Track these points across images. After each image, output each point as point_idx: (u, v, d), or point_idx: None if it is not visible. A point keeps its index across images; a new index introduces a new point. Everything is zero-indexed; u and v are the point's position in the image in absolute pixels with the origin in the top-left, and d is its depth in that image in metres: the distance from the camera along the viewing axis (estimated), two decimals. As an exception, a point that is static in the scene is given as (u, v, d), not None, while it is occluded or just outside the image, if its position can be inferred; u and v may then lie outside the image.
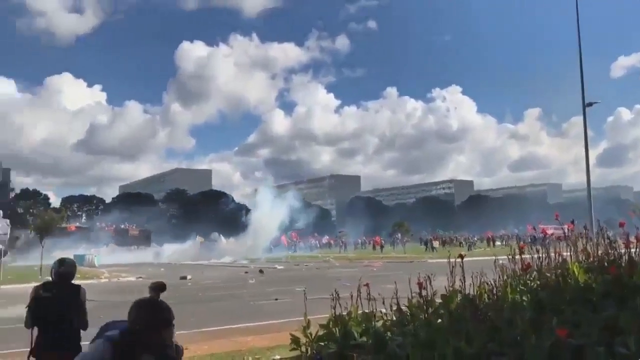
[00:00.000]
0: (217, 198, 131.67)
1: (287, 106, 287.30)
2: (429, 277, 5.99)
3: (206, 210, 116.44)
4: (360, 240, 75.37)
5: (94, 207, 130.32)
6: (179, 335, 9.28)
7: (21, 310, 14.91)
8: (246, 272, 31.25)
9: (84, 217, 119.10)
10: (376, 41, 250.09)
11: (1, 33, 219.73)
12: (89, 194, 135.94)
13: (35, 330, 4.41)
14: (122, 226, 72.97)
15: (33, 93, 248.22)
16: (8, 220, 27.67)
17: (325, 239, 77.99)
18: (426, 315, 6.02)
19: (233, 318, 13.53)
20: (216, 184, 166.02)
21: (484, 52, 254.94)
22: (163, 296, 2.67)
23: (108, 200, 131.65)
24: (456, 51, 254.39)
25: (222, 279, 27.26)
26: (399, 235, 70.79)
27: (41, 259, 31.67)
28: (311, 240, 73.01)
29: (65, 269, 4.60)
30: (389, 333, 6.42)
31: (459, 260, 5.83)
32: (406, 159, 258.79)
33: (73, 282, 4.80)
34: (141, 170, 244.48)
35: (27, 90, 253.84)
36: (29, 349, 4.39)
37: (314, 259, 47.85)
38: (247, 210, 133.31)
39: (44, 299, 4.38)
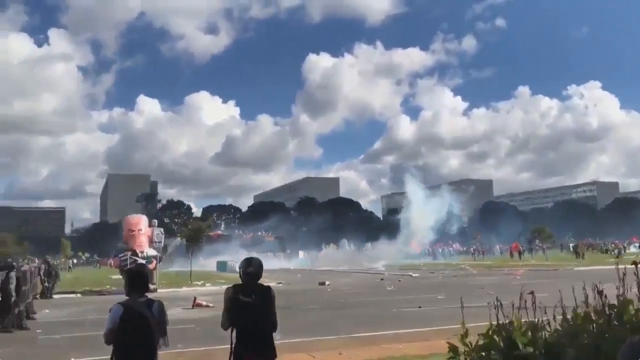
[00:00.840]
0: (345, 205, 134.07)
1: (413, 111, 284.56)
2: (597, 285, 5.66)
3: (335, 217, 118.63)
4: (498, 247, 72.28)
5: (231, 215, 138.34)
6: (332, 340, 9.52)
7: (177, 312, 16.18)
8: (382, 279, 31.37)
9: (222, 226, 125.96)
10: (505, 39, 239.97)
11: (147, 58, 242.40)
12: (226, 204, 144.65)
13: (234, 331, 4.69)
14: (259, 233, 76.58)
15: (175, 111, 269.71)
16: (162, 229, 30.17)
17: (455, 246, 75.96)
18: (594, 326, 5.70)
19: (378, 324, 13.61)
20: (343, 192, 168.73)
21: (625, 43, 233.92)
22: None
23: (244, 209, 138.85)
24: (594, 44, 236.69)
25: (360, 286, 27.56)
26: (538, 241, 66.92)
27: (190, 265, 34.22)
28: (445, 247, 71.35)
29: (253, 269, 4.85)
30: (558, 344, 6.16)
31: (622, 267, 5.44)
32: (542, 161, 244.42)
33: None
34: (273, 179, 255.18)
35: (170, 108, 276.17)
36: (230, 350, 4.69)
37: (449, 266, 46.75)
38: (376, 218, 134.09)
39: (244, 302, 4.64)
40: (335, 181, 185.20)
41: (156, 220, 31.75)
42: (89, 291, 27.38)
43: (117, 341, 4.30)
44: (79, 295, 26.44)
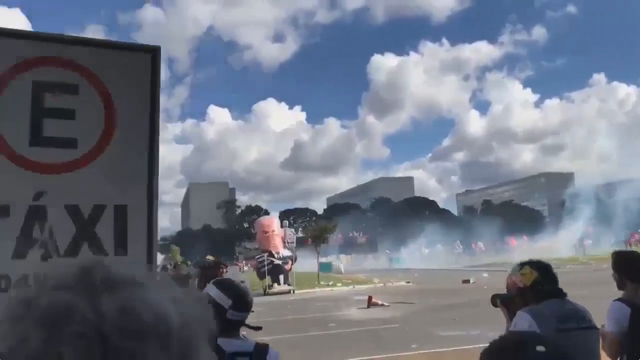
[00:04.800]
0: (422, 205, 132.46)
1: (482, 106, 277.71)
2: None
3: (411, 217, 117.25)
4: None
5: (307, 218, 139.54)
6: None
7: (357, 312, 16.07)
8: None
9: (300, 229, 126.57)
10: (577, 27, 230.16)
11: (217, 69, 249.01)
12: (299, 207, 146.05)
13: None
14: (349, 235, 76.71)
15: (244, 119, 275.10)
16: (293, 230, 30.56)
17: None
18: None
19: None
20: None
21: None
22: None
23: (319, 212, 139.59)
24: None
25: (496, 284, 26.82)
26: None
27: (318, 266, 34.29)
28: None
29: None
30: None
31: None
32: (621, 151, 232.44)
33: None
34: (341, 182, 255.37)
35: (239, 117, 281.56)
36: None
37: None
38: (452, 216, 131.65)
39: None
40: (409, 180, 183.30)
41: (286, 221, 32.15)
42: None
43: None
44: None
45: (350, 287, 29.77)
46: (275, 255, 28.43)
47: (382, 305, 18.63)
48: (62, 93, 1.69)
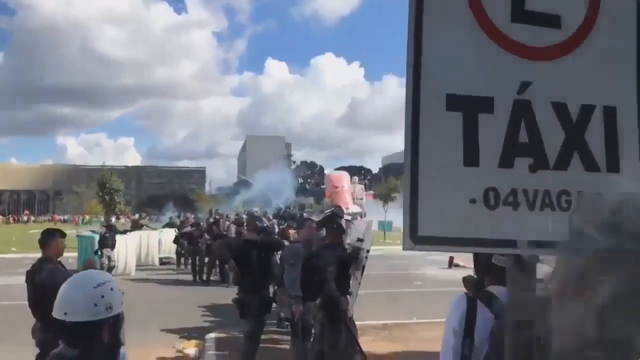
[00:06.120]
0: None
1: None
2: None
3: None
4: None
5: (362, 177, 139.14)
6: None
7: (441, 272, 15.69)
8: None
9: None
10: None
11: (278, 22, 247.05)
12: (354, 165, 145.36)
13: None
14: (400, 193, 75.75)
15: (302, 74, 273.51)
16: (363, 186, 30.18)
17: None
18: None
19: None
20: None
21: None
22: None
23: (375, 170, 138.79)
24: None
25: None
26: None
27: (384, 224, 34.09)
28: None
29: None
30: None
31: None
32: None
33: None
34: (397, 142, 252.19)
35: (297, 71, 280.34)
36: None
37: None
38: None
39: None
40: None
41: (356, 177, 31.85)
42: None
43: None
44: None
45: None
46: (345, 211, 28.21)
47: (463, 266, 18.17)
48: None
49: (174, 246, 18.11)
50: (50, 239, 5.13)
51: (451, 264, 18.26)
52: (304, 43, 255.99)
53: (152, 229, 22.12)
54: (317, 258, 6.30)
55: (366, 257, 6.83)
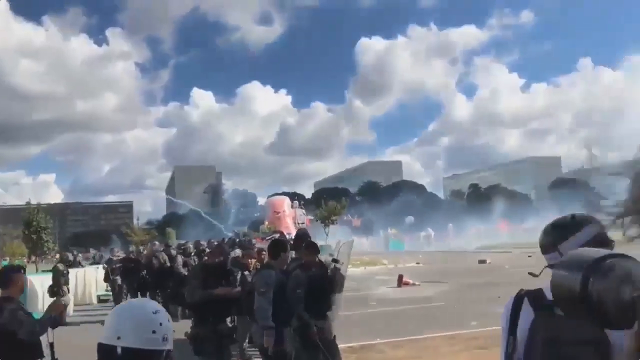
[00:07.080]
0: (410, 188, 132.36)
1: (469, 90, 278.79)
2: None
3: (400, 200, 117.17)
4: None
5: (295, 202, 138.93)
6: None
7: (390, 291, 15.56)
8: (529, 256, 30.20)
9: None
10: (565, 11, 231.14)
11: (202, 51, 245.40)
12: (286, 191, 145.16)
13: None
14: (345, 218, 76.16)
15: (229, 103, 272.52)
16: (304, 210, 29.89)
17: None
18: None
19: None
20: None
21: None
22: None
23: (308, 195, 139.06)
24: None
25: (516, 264, 26.54)
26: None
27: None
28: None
29: None
30: None
31: None
32: (606, 136, 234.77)
33: None
34: (327, 166, 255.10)
35: (224, 100, 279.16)
36: None
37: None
38: (440, 200, 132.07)
39: None
40: (397, 164, 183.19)
41: (296, 202, 31.48)
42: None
43: None
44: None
45: (361, 268, 29.20)
46: (287, 236, 27.69)
47: (413, 284, 18.07)
48: None
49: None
50: (15, 275, 4.53)
51: (400, 282, 18.07)
52: (230, 72, 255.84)
53: (82, 266, 20.85)
54: (288, 280, 5.85)
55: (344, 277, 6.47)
